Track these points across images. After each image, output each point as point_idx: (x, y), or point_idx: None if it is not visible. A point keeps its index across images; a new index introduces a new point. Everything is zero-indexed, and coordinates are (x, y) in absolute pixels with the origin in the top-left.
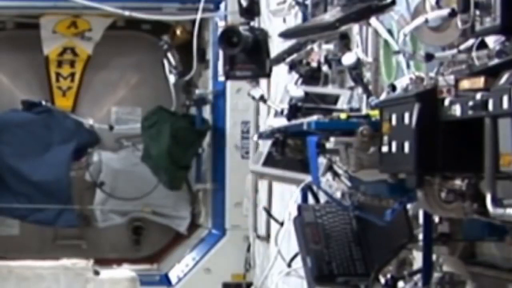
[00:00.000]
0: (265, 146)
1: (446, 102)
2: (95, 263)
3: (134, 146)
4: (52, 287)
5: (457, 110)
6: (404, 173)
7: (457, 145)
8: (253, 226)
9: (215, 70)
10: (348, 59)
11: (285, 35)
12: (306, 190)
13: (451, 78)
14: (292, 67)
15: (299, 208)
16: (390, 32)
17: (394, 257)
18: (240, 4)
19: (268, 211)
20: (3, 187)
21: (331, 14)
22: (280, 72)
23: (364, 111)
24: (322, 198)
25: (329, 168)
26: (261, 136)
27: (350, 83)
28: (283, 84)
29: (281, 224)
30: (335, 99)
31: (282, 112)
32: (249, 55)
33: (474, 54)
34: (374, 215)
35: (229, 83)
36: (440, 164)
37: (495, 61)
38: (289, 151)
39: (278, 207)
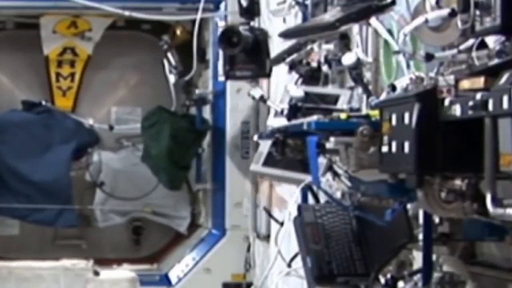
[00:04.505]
0: (265, 146)
1: (446, 102)
2: (95, 263)
3: (134, 146)
4: (52, 287)
5: (457, 110)
6: (404, 173)
7: (457, 145)
8: (253, 226)
9: (215, 70)
10: (348, 59)
11: (285, 35)
12: (306, 190)
13: (451, 78)
14: (292, 67)
15: (299, 208)
16: (390, 32)
17: (394, 257)
18: (240, 4)
19: (268, 211)
20: (3, 187)
21: (331, 14)
22: (280, 72)
23: (364, 111)
24: (322, 198)
25: (329, 168)
26: (261, 136)
27: (350, 83)
28: (283, 84)
29: (281, 224)
30: (335, 99)
31: (282, 112)
32: (249, 55)
33: (474, 54)
34: (374, 215)
35: (229, 83)
36: (440, 164)
37: (495, 61)
38: (289, 151)
39: (278, 208)
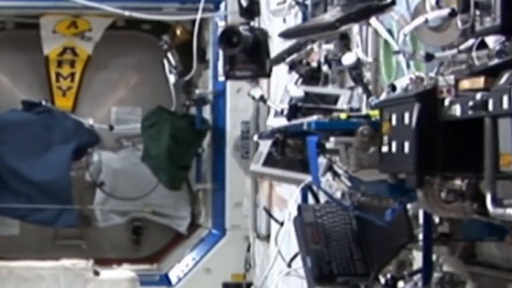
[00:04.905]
0: (265, 146)
1: (446, 102)
2: (95, 263)
3: (134, 146)
4: (52, 287)
5: (457, 110)
6: (404, 173)
7: (457, 145)
8: (253, 226)
9: (215, 70)
10: (348, 59)
11: (285, 35)
12: (306, 190)
13: (451, 78)
14: (292, 67)
15: (299, 208)
16: (390, 32)
17: (394, 257)
18: (240, 4)
19: (268, 211)
20: (3, 187)
21: (331, 14)
22: (280, 72)
23: (364, 111)
24: (322, 198)
25: (329, 168)
26: (261, 136)
27: (350, 83)
28: (283, 84)
29: (281, 224)
30: (335, 99)
31: (282, 112)
32: (249, 55)
33: (474, 54)
34: (374, 215)
35: (229, 83)
36: (440, 164)
37: (495, 61)
38: (289, 151)
39: (278, 208)
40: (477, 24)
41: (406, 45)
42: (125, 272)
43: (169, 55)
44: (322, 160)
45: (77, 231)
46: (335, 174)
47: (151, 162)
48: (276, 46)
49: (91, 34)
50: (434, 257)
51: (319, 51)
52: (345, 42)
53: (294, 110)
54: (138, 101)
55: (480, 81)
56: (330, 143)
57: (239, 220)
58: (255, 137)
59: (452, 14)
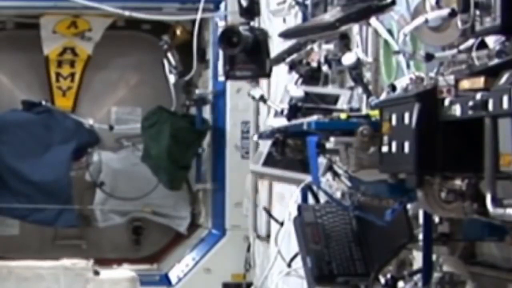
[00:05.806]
0: (265, 146)
1: (446, 102)
2: (95, 263)
3: (134, 146)
4: (52, 287)
5: (457, 110)
6: (404, 173)
7: (457, 145)
8: (253, 226)
9: (215, 70)
10: (348, 59)
11: (285, 35)
12: (306, 190)
13: (451, 78)
14: (292, 67)
15: (299, 208)
16: (390, 32)
17: (394, 257)
18: (240, 4)
19: (268, 211)
20: (3, 187)
21: (331, 14)
22: (280, 72)
23: (364, 111)
24: (322, 198)
25: (329, 168)
26: (261, 136)
27: (350, 83)
28: (283, 84)
29: (281, 224)
30: (335, 99)
31: (282, 112)
32: (249, 55)
33: (474, 54)
34: (374, 215)
35: (229, 83)
36: (440, 164)
37: (495, 61)
38: (289, 151)
39: (278, 207)
40: (477, 24)
41: (406, 45)
42: (125, 272)
43: (169, 55)
44: (322, 160)
45: (77, 231)
46: (335, 174)
47: (151, 162)
48: (276, 46)
49: (91, 34)
50: (434, 257)
51: (319, 51)
52: (345, 42)
53: (294, 110)
54: (138, 101)
55: (480, 81)
56: (330, 143)
57: (239, 220)
58: (255, 137)
59: (452, 14)
